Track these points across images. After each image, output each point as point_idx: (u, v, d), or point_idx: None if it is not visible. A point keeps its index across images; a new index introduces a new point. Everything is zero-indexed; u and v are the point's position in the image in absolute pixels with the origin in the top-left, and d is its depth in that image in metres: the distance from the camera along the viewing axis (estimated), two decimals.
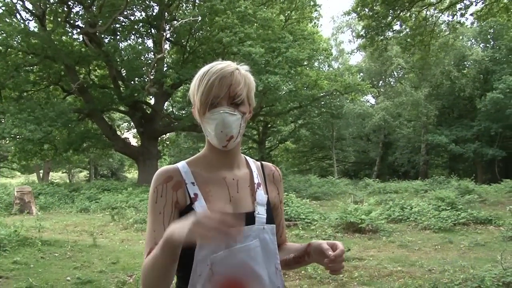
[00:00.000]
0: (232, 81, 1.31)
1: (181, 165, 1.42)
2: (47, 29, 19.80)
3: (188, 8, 22.76)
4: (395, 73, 34.52)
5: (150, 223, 1.35)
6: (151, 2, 21.60)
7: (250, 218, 1.34)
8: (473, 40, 30.66)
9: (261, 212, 1.37)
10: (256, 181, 1.44)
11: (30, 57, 20.12)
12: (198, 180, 1.38)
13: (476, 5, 14.52)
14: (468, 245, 7.91)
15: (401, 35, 16.93)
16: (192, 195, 1.34)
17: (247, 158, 1.52)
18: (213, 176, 1.40)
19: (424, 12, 15.97)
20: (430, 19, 16.09)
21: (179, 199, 1.35)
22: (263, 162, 1.53)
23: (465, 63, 29.53)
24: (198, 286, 1.26)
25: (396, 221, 10.90)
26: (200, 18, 19.30)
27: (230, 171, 1.41)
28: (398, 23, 16.28)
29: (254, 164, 1.50)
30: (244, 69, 1.39)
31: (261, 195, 1.41)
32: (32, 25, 21.47)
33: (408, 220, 10.80)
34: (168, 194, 1.34)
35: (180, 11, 22.16)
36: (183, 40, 22.24)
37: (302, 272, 6.10)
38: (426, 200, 12.42)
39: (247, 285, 1.27)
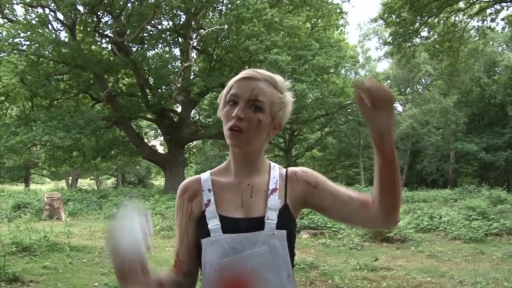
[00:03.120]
0: (257, 86, 1.33)
1: (204, 174, 1.48)
2: (77, 38, 20.27)
3: (214, 17, 22.96)
4: (423, 80, 34.02)
5: (175, 236, 1.47)
6: (178, 11, 21.86)
7: (260, 223, 1.32)
8: (504, 46, 30.01)
9: (271, 217, 1.33)
10: (271, 187, 1.40)
11: (60, 66, 20.61)
12: (215, 187, 1.42)
13: (507, 9, 14.23)
14: (501, 257, 7.66)
15: (429, 41, 16.72)
16: (205, 201, 1.39)
17: (273, 165, 1.48)
18: (230, 182, 1.42)
19: (453, 18, 15.73)
20: (459, 24, 15.84)
21: (193, 208, 1.41)
22: (289, 168, 1.47)
23: (496, 69, 28.90)
24: None
25: (425, 231, 10.66)
26: (226, 26, 19.44)
27: (247, 177, 1.41)
28: (426, 29, 16.09)
29: (277, 171, 1.46)
30: (285, 85, 1.41)
31: (273, 200, 1.37)
32: (63, 35, 22.01)
33: (437, 229, 10.54)
34: (184, 206, 1.43)
35: (207, 20, 22.37)
36: (209, 49, 22.42)
37: (329, 281, 6.01)
38: (456, 210, 12.13)
39: (251, 285, 1.26)
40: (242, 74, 1.37)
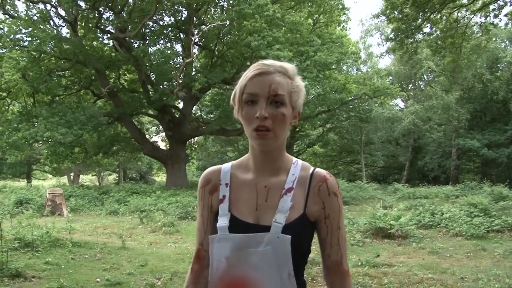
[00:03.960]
0: (274, 80, 1.30)
1: (225, 165, 1.48)
2: (79, 34, 20.25)
3: (216, 13, 22.93)
4: (425, 76, 33.92)
5: (197, 225, 1.50)
6: (180, 7, 21.83)
7: (262, 228, 1.33)
8: (507, 42, 29.89)
9: (279, 220, 1.32)
10: (287, 186, 1.37)
11: (62, 62, 20.62)
12: (233, 182, 1.42)
13: (510, 5, 14.16)
14: (502, 253, 7.65)
15: (431, 37, 16.64)
16: (221, 197, 1.41)
17: (295, 162, 1.45)
18: (248, 180, 1.41)
19: (456, 13, 15.66)
20: (461, 20, 15.77)
21: (213, 202, 1.43)
22: (316, 171, 1.41)
23: (499, 65, 28.77)
24: (215, 278, 1.34)
25: (427, 227, 10.66)
26: (228, 22, 19.41)
27: (265, 177, 1.39)
28: (428, 25, 16.01)
29: (298, 168, 1.42)
30: (295, 70, 1.39)
31: (285, 201, 1.34)
32: (65, 31, 22.05)
33: (439, 226, 10.54)
34: (205, 198, 1.46)
35: (209, 16, 22.35)
36: (211, 45, 22.42)
37: None
38: (458, 206, 12.11)
39: (253, 280, 1.30)
40: (254, 70, 1.34)
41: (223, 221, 1.36)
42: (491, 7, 14.34)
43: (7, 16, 19.98)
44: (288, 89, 1.33)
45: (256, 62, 1.37)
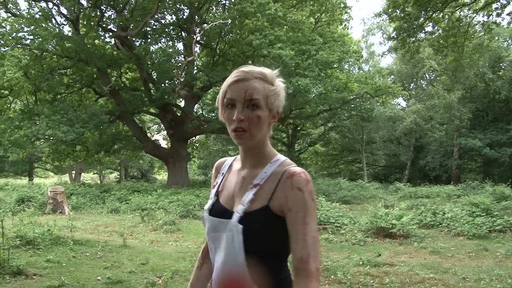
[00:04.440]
0: (250, 86, 1.44)
1: (231, 158, 1.71)
2: (81, 33, 20.25)
3: (218, 11, 22.92)
4: (427, 75, 33.88)
5: None
6: (182, 5, 21.82)
7: (230, 214, 1.48)
8: (509, 41, 29.82)
9: (238, 210, 1.46)
10: (256, 181, 1.49)
11: (64, 60, 20.61)
12: (229, 171, 1.65)
13: None
14: (505, 253, 7.64)
15: (433, 36, 16.58)
16: (215, 183, 1.66)
17: (276, 159, 1.53)
18: (236, 170, 1.61)
19: (458, 12, 15.60)
20: (464, 19, 15.71)
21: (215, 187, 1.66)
22: (290, 168, 1.47)
23: (501, 64, 28.72)
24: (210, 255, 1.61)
25: (428, 227, 10.66)
26: (230, 21, 19.38)
27: (248, 168, 1.55)
28: (431, 24, 15.95)
29: (274, 167, 1.51)
30: (274, 75, 1.52)
31: (248, 196, 1.47)
32: (66, 30, 21.98)
33: (440, 225, 10.53)
34: (212, 184, 1.71)
35: (210, 14, 22.32)
36: (213, 43, 22.39)
37: (332, 277, 6.01)
38: (459, 206, 12.10)
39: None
40: (233, 77, 1.47)
41: (209, 203, 1.59)
42: (494, 6, 14.28)
43: (9, 14, 20.00)
44: (264, 93, 1.45)
45: (237, 69, 1.49)
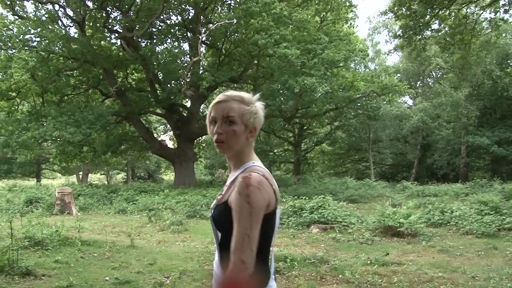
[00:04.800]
0: (227, 106, 1.81)
1: None
2: (87, 34, 20.33)
3: (223, 11, 22.92)
4: (433, 73, 33.69)
5: None
6: (187, 6, 21.85)
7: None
8: None
9: (213, 205, 1.92)
10: (228, 183, 1.88)
11: (70, 62, 20.71)
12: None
13: None
14: None
15: (440, 34, 16.47)
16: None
17: (248, 166, 1.84)
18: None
19: (464, 9, 15.49)
20: (470, 16, 15.58)
21: None
22: (243, 173, 1.77)
23: (509, 61, 28.49)
24: None
25: (436, 225, 10.60)
26: (235, 20, 19.37)
27: (231, 172, 1.92)
28: (437, 22, 15.84)
29: (240, 172, 1.82)
30: (252, 98, 1.88)
31: (219, 194, 1.89)
32: (73, 31, 22.14)
33: (448, 224, 10.47)
34: None
35: (216, 14, 22.33)
36: (218, 43, 22.40)
37: (340, 276, 5.99)
38: (468, 204, 12.02)
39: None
40: (216, 99, 1.86)
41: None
42: (501, 2, 14.16)
43: (17, 17, 20.10)
44: (239, 112, 1.81)
45: (221, 93, 1.89)
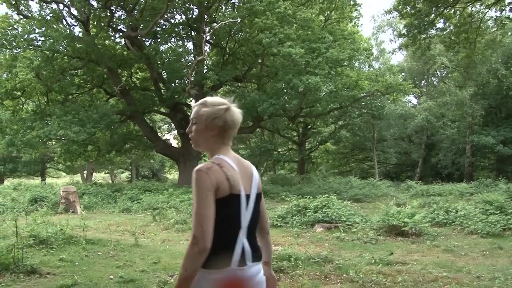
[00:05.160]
0: (193, 110, 2.20)
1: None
2: (91, 33, 20.38)
3: (227, 10, 22.92)
4: (438, 72, 33.56)
5: None
6: (191, 5, 21.86)
7: None
8: None
9: None
10: None
11: (75, 61, 20.76)
12: None
13: None
14: None
15: (444, 33, 16.41)
16: None
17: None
18: None
19: (469, 8, 15.42)
20: (475, 15, 15.52)
21: None
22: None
23: None
24: None
25: (441, 225, 10.56)
26: (239, 19, 19.38)
27: None
28: (442, 20, 15.80)
29: None
30: (215, 101, 2.18)
31: None
32: (77, 30, 22.17)
33: (453, 224, 10.42)
34: None
35: (220, 13, 22.32)
36: (222, 42, 22.39)
37: (344, 275, 5.98)
38: (473, 204, 11.97)
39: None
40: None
41: None
42: (507, 0, 14.10)
43: (21, 16, 20.19)
44: (199, 114, 2.14)
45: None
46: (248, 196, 2.07)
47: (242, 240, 2.02)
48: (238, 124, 2.16)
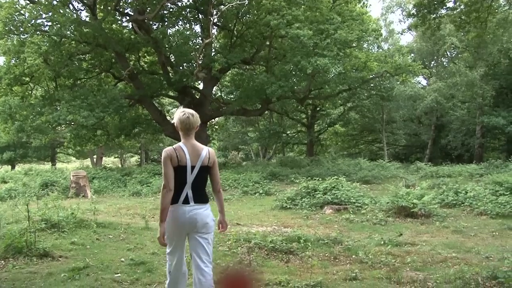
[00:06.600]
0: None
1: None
2: (98, 18, 20.28)
3: None
4: (448, 52, 33.10)
5: None
6: None
7: None
8: None
9: None
10: None
11: (82, 45, 20.73)
12: None
13: None
14: None
15: (455, 12, 16.10)
16: None
17: None
18: None
19: None
20: None
21: None
22: None
23: None
24: None
25: (450, 206, 10.54)
26: (247, 1, 19.20)
27: None
28: None
29: None
30: (179, 109, 3.71)
31: None
32: (84, 15, 22.06)
33: (462, 205, 10.41)
34: None
35: None
36: (230, 25, 22.23)
37: (353, 256, 6.01)
38: (482, 185, 11.93)
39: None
40: None
41: None
42: None
43: (28, 2, 20.11)
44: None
45: None
46: (193, 167, 3.49)
47: (187, 190, 3.48)
48: (187, 124, 3.57)
